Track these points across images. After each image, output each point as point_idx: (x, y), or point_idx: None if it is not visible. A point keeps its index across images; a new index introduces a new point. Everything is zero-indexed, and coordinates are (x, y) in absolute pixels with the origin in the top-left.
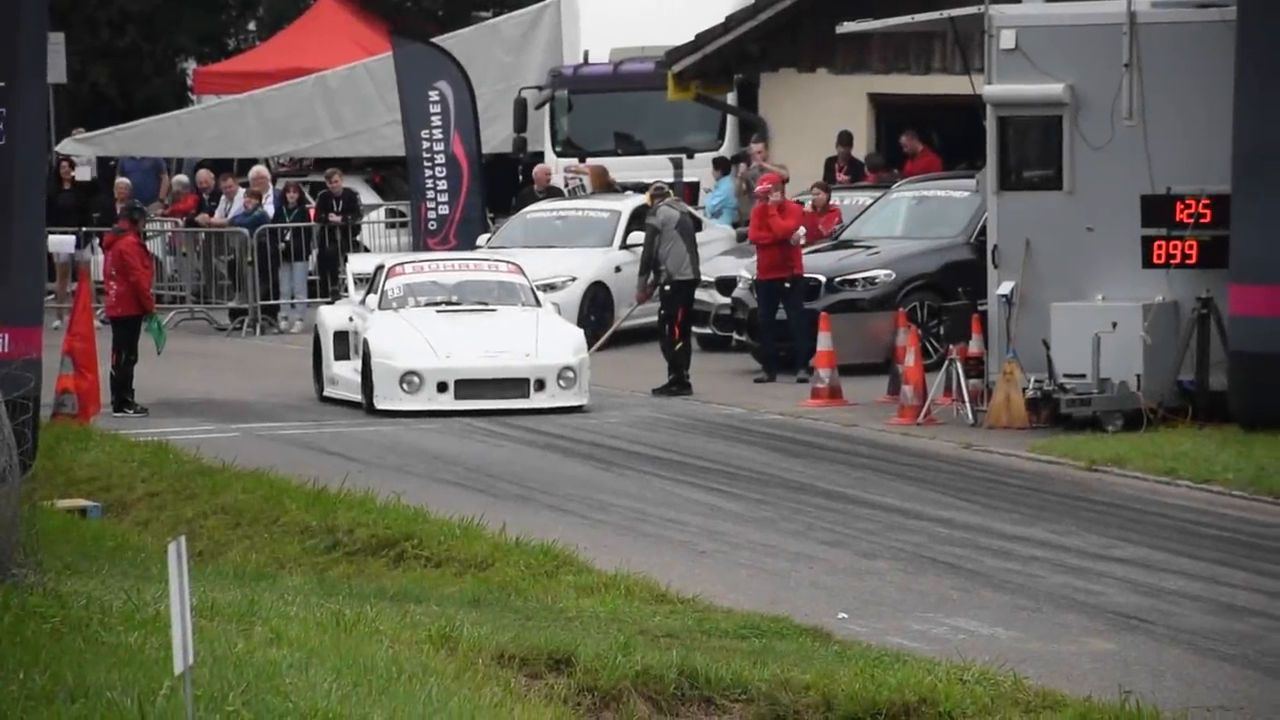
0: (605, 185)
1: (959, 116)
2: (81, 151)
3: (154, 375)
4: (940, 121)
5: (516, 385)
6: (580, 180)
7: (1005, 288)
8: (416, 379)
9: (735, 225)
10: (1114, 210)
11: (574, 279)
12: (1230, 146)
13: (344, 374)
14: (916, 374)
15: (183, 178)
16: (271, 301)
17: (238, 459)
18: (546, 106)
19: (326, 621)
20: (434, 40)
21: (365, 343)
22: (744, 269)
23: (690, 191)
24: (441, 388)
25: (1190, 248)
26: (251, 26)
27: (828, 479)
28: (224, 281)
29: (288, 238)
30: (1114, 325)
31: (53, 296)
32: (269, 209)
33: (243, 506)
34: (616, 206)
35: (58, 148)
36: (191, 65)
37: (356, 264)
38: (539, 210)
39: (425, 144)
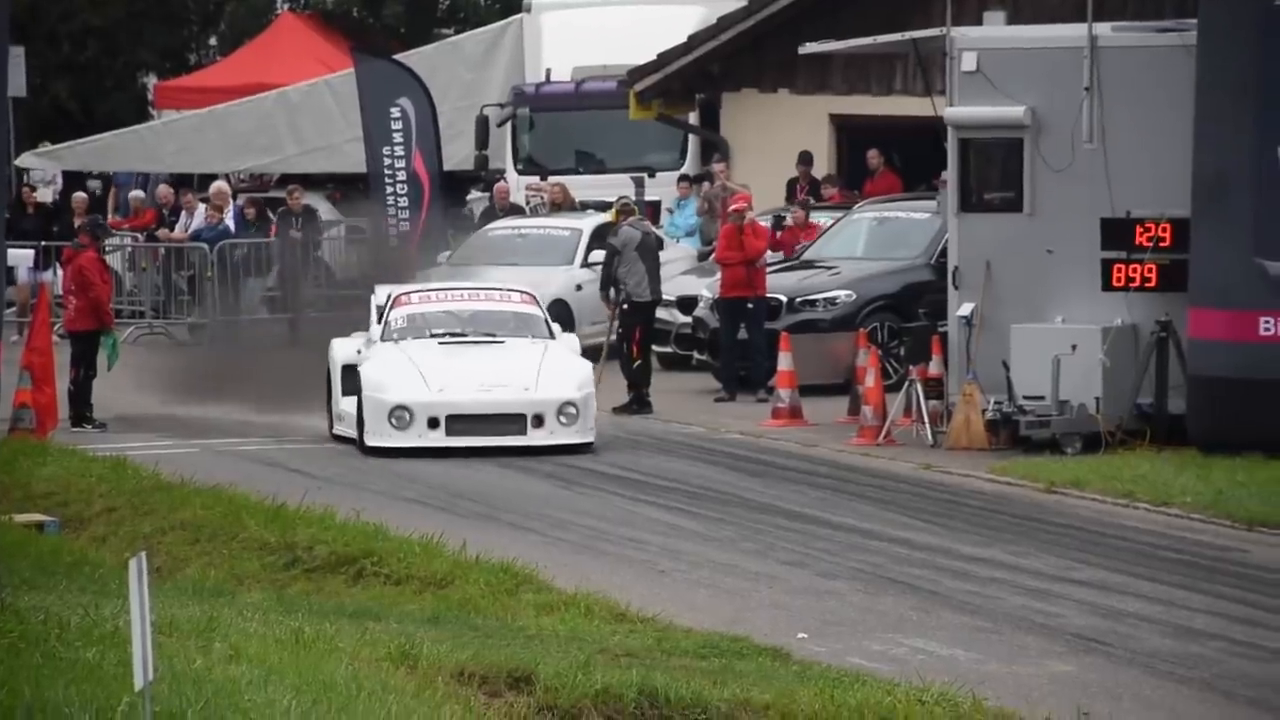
0: (566, 203)
1: (920, 138)
2: (42, 165)
3: (113, 390)
4: (901, 143)
5: (513, 421)
6: (541, 198)
7: (965, 309)
8: (406, 414)
9: (703, 245)
10: (1074, 233)
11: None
12: (1190, 170)
13: (349, 410)
14: (877, 395)
15: (140, 193)
16: (235, 317)
17: (196, 475)
18: (508, 124)
19: (286, 638)
20: (396, 57)
21: (359, 376)
22: (705, 288)
23: (652, 210)
24: (433, 423)
25: (1150, 271)
26: (213, 42)
27: (788, 499)
28: (184, 296)
29: (239, 253)
30: (1073, 348)
31: (12, 310)
32: (230, 224)
33: (201, 522)
34: (578, 224)
35: (17, 161)
36: (153, 80)
37: (381, 295)
38: (500, 227)
39: (387, 161)
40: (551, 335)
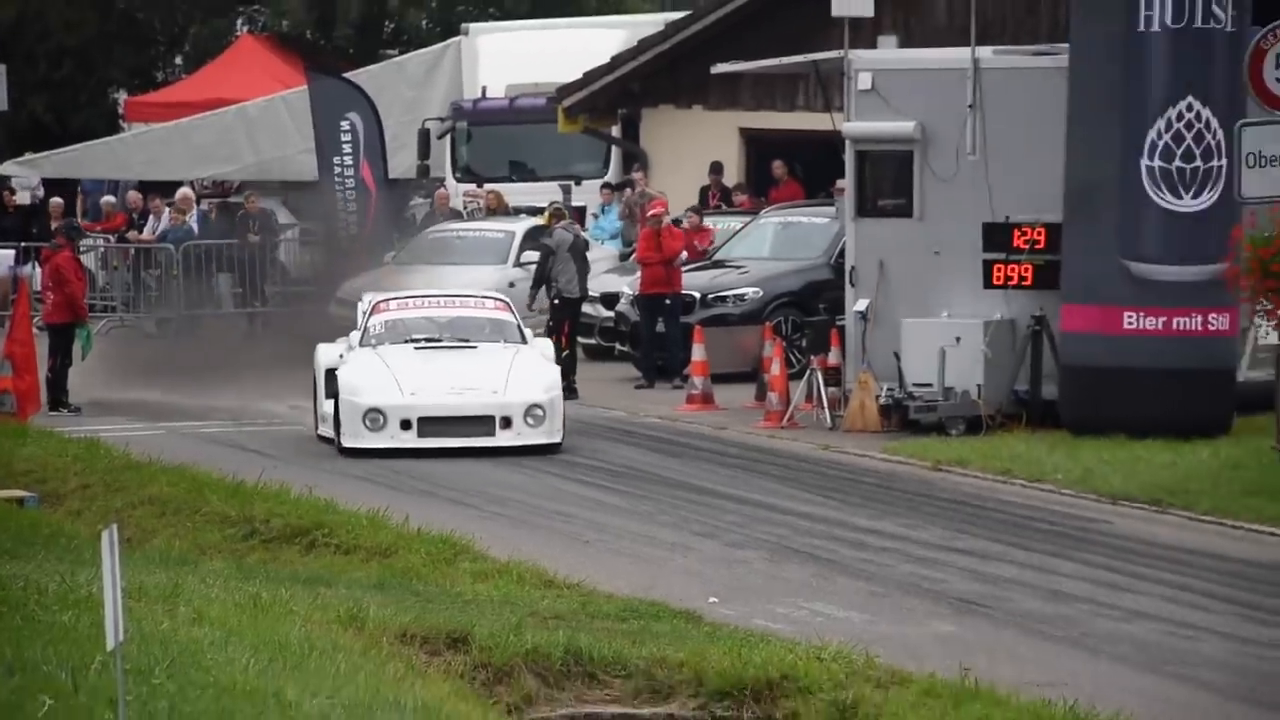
0: (501, 208)
1: (821, 150)
2: (22, 173)
3: (87, 378)
4: (804, 154)
5: (482, 423)
6: (478, 203)
7: (861, 305)
8: (380, 416)
9: (625, 246)
10: (958, 236)
11: None
12: (1062, 180)
13: (330, 412)
14: (781, 382)
15: (110, 198)
16: (199, 311)
17: (163, 454)
18: (448, 137)
19: (244, 603)
20: (346, 75)
21: (336, 379)
22: (626, 286)
23: (578, 215)
24: (405, 425)
25: (1026, 271)
26: (178, 61)
27: (700, 476)
28: (151, 293)
29: (201, 252)
30: (957, 340)
31: None
32: (194, 226)
33: (167, 498)
34: (511, 228)
35: None
36: (123, 95)
37: (366, 303)
38: (441, 230)
39: (337, 170)
40: (524, 340)
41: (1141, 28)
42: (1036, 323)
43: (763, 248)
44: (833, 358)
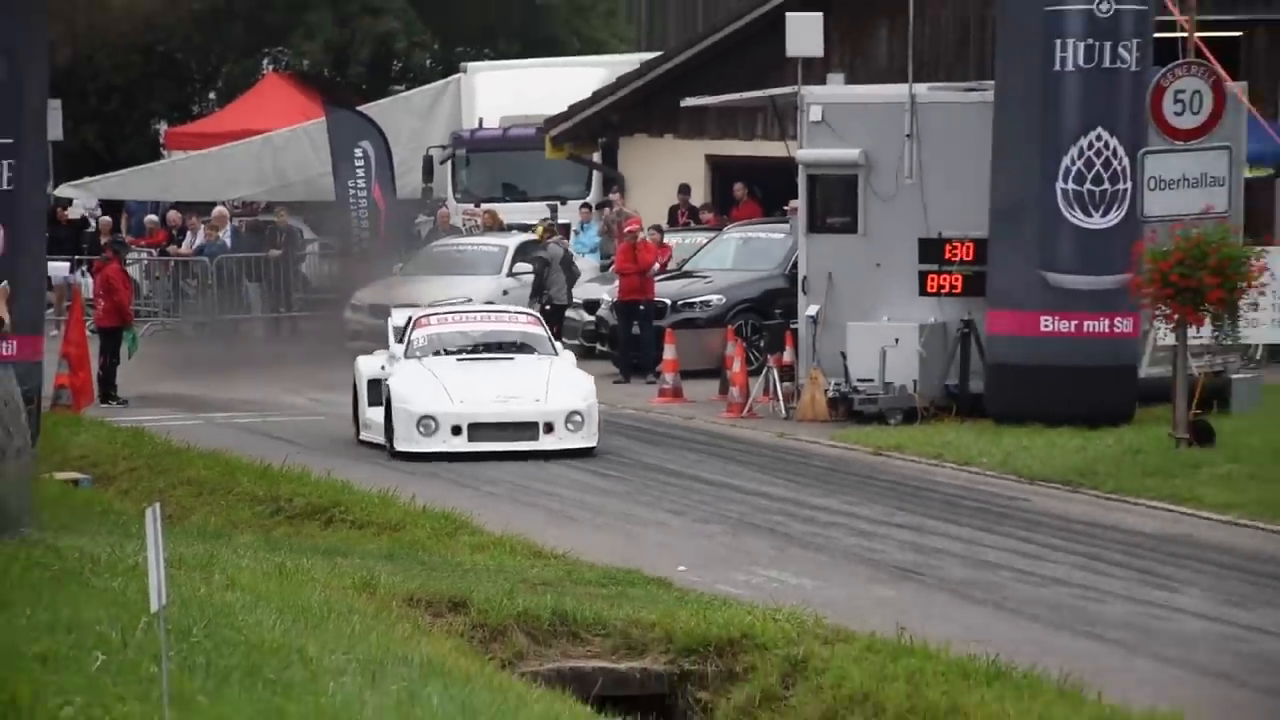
0: (495, 225)
1: (777, 174)
2: (75, 195)
3: (133, 374)
4: (762, 177)
5: (527, 428)
6: (475, 221)
7: (812, 310)
8: (432, 422)
9: (603, 259)
10: (897, 250)
11: (469, 299)
12: (988, 200)
13: (375, 419)
14: (741, 378)
15: (153, 217)
16: (231, 316)
17: (199, 441)
18: (449, 162)
19: (271, 571)
20: (359, 108)
21: (387, 388)
22: (606, 293)
23: (563, 231)
24: (456, 430)
25: (956, 280)
26: (212, 96)
27: (672, 461)
28: (189, 300)
29: (233, 264)
30: (896, 341)
31: (51, 310)
32: (227, 241)
33: (203, 479)
34: (504, 242)
35: (55, 191)
36: (164, 127)
37: (398, 317)
38: (443, 244)
39: (352, 191)
40: (555, 351)
41: (1057, 68)
42: (965, 326)
43: (726, 260)
44: (787, 356)
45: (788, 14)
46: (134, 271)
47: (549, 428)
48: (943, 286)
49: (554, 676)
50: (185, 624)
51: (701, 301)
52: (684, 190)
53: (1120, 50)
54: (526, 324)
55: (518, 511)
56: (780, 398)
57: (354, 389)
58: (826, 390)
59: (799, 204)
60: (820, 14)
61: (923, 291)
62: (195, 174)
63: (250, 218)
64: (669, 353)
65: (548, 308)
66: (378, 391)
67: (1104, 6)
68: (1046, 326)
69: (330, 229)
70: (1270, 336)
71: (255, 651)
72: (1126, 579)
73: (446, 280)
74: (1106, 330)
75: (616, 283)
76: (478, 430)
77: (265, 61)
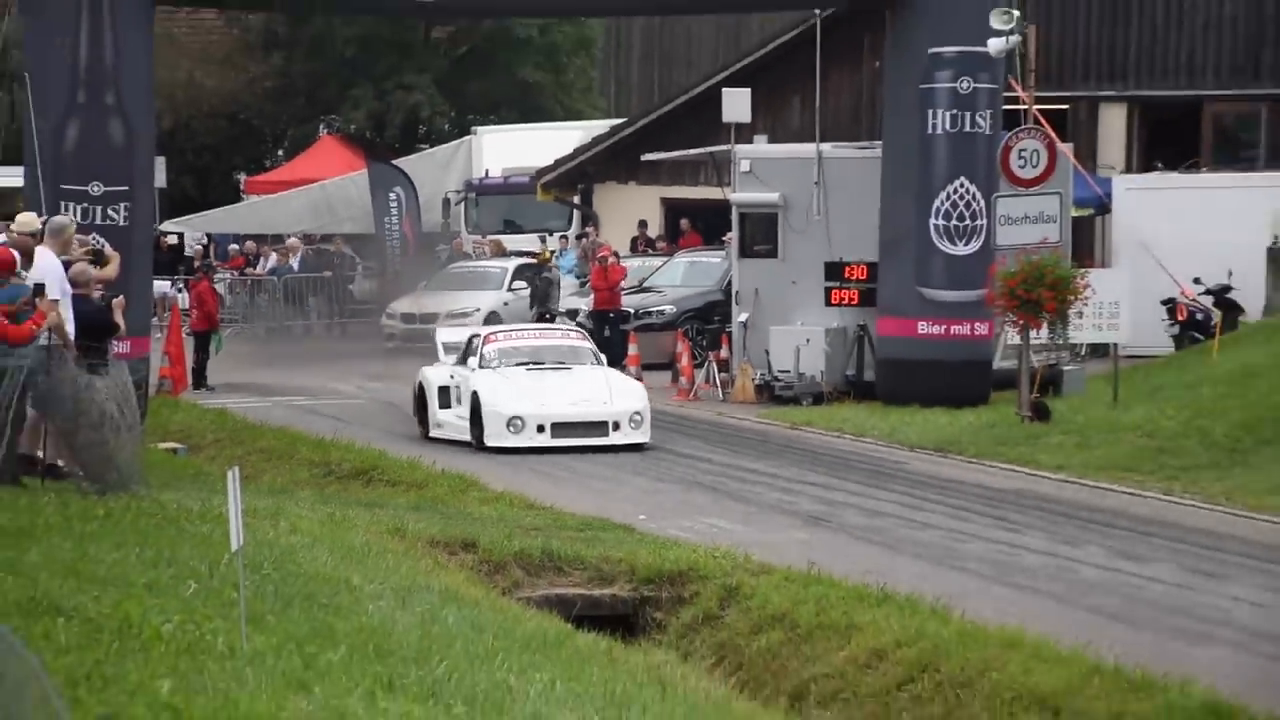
0: (500, 252)
1: (716, 212)
2: (177, 229)
3: (219, 368)
4: (704, 215)
5: (599, 427)
6: (484, 249)
7: (743, 317)
8: (520, 422)
9: (579, 278)
10: (808, 271)
11: (478, 308)
12: (878, 233)
13: (448, 419)
14: (688, 370)
15: (235, 246)
16: (294, 322)
17: (269, 419)
18: (463, 203)
19: (324, 519)
20: (393, 162)
21: (475, 394)
22: (583, 304)
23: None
24: (540, 429)
25: (854, 295)
26: (280, 153)
27: None
28: (262, 310)
29: (298, 283)
30: (808, 341)
31: (155, 318)
32: (294, 265)
33: (272, 448)
34: (505, 265)
35: (160, 226)
36: (243, 176)
37: (444, 335)
38: (457, 267)
39: (387, 226)
40: (599, 361)
41: (930, 131)
42: (860, 330)
43: (676, 278)
44: (724, 353)
45: (723, 89)
46: (220, 288)
47: (616, 425)
48: (843, 299)
49: (543, 601)
50: (258, 560)
51: (657, 310)
52: (642, 225)
53: (977, 118)
54: (576, 339)
55: (515, 474)
56: (718, 385)
57: (418, 394)
58: (754, 379)
59: (732, 235)
60: (748, 89)
61: (828, 303)
62: (267, 213)
63: (313, 246)
64: (632, 350)
65: (548, 316)
66: (446, 397)
67: (964, 85)
68: (923, 330)
69: (371, 255)
70: (1091, 337)
71: (312, 581)
72: (984, 524)
73: (460, 294)
74: (968, 333)
75: (591, 296)
76: (558, 428)
77: (321, 126)
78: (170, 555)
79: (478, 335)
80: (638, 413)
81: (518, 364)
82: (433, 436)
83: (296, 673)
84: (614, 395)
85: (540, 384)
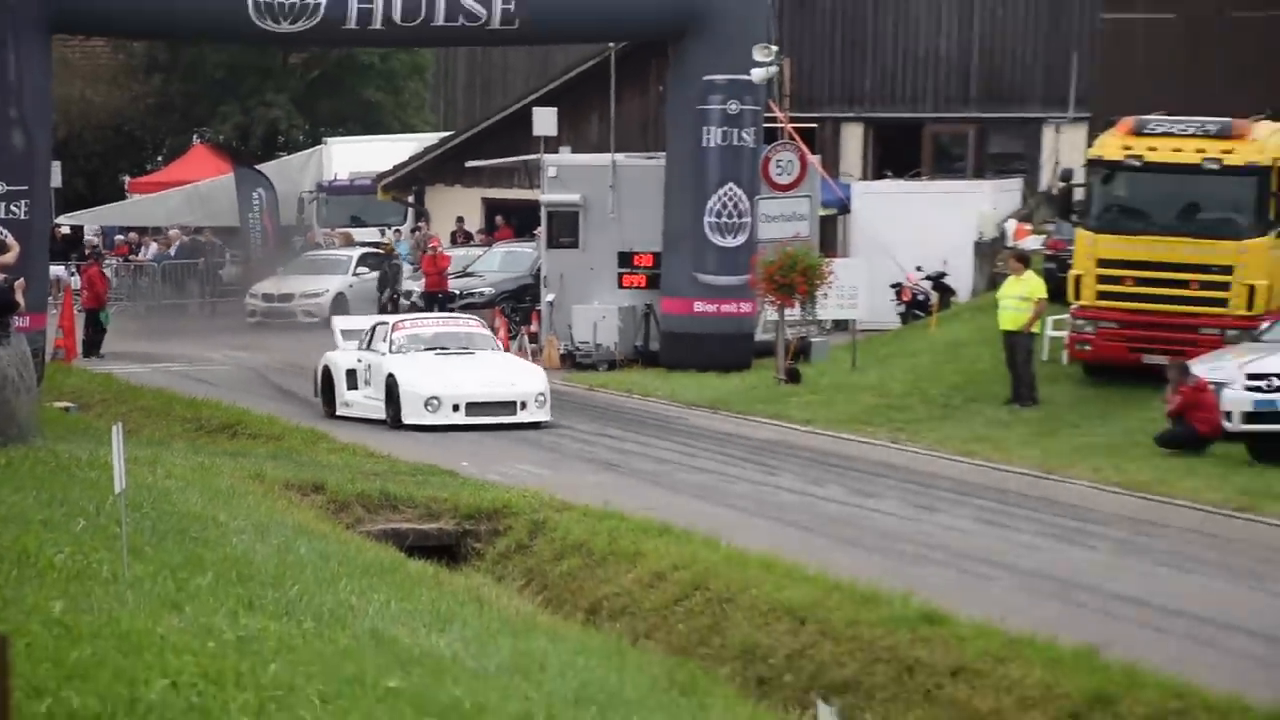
0: (349, 243)
1: (528, 211)
2: (71, 222)
3: (106, 339)
4: (518, 213)
5: (508, 406)
6: (334, 240)
7: (550, 297)
8: (437, 401)
9: (412, 265)
10: (605, 260)
11: (327, 290)
12: (662, 228)
13: (357, 399)
14: (505, 341)
15: (120, 236)
16: (170, 302)
17: (149, 383)
18: (315, 202)
19: (196, 466)
20: (256, 167)
21: (391, 376)
22: (416, 286)
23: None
24: (455, 408)
25: (642, 279)
26: (159, 158)
27: None
28: (143, 291)
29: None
30: (604, 317)
31: (51, 298)
32: (172, 253)
33: (151, 407)
34: (350, 253)
35: (56, 220)
36: (127, 178)
37: (342, 323)
38: (310, 255)
39: (250, 221)
40: (496, 347)
41: (704, 144)
42: (647, 308)
43: (494, 265)
44: (534, 327)
45: (534, 108)
46: (108, 272)
47: (523, 405)
48: (633, 283)
49: (380, 534)
50: (138, 501)
51: (479, 292)
52: (459, 221)
53: (743, 134)
54: (476, 327)
55: (356, 429)
56: (529, 353)
57: (321, 376)
58: (559, 349)
59: (541, 230)
60: (555, 108)
61: (620, 286)
62: (148, 209)
63: (187, 237)
64: None
65: (395, 297)
66: (353, 379)
67: (733, 107)
68: (698, 308)
69: (236, 245)
70: (835, 314)
71: (184, 519)
72: (747, 469)
73: (312, 278)
74: (735, 311)
75: (423, 280)
76: (472, 408)
77: (194, 136)
78: (63, 497)
79: (383, 323)
80: (541, 393)
81: (425, 349)
82: (340, 415)
83: (170, 595)
84: (518, 378)
85: (450, 367)
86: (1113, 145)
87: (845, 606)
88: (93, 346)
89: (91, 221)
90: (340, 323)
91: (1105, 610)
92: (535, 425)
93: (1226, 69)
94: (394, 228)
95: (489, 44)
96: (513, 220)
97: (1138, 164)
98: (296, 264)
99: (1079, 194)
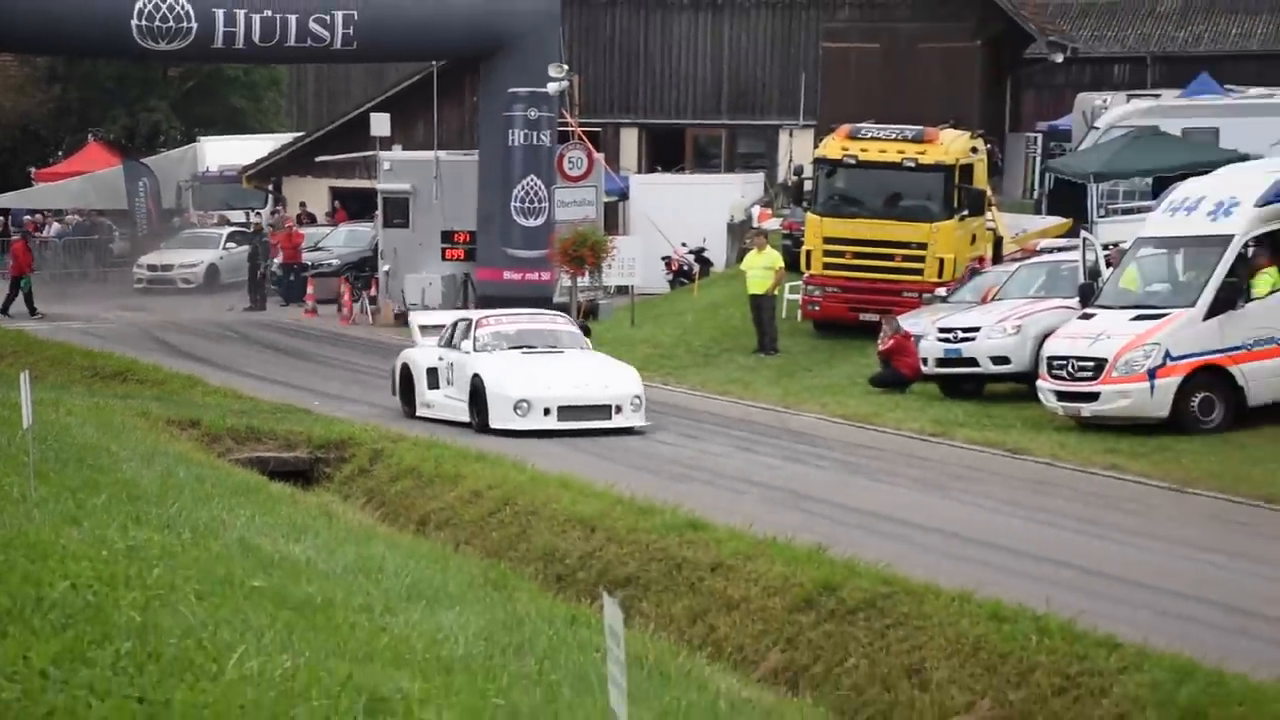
0: (221, 223)
1: (368, 197)
2: None
3: (19, 302)
4: (358, 199)
5: (602, 410)
6: (209, 220)
7: (386, 268)
8: (526, 404)
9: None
10: (431, 237)
11: (201, 261)
12: (476, 211)
13: (438, 399)
14: (349, 303)
15: (29, 216)
16: (71, 270)
17: (53, 337)
18: (191, 189)
19: (91, 406)
20: (143, 160)
21: (476, 376)
22: (275, 260)
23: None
24: (546, 412)
25: (460, 253)
26: (60, 152)
27: (308, 349)
28: (49, 261)
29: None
30: (430, 283)
31: None
32: (71, 231)
33: (55, 357)
34: (220, 231)
35: None
36: (33, 169)
37: (420, 319)
38: (188, 232)
39: (138, 203)
40: (587, 345)
41: (510, 144)
42: (465, 276)
43: (340, 241)
44: (373, 292)
45: (371, 113)
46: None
47: (618, 409)
48: (454, 256)
49: (247, 461)
50: (43, 434)
51: (327, 263)
52: (302, 205)
53: (541, 136)
54: (564, 324)
55: (230, 376)
56: (369, 314)
57: (400, 375)
58: (393, 309)
59: (378, 213)
60: (388, 114)
61: (444, 258)
62: (51, 195)
63: (84, 218)
64: (310, 290)
65: (265, 269)
66: (435, 378)
67: (532, 114)
68: (507, 276)
69: (125, 225)
70: (617, 281)
71: (82, 449)
72: (673, 430)
73: (189, 251)
74: (537, 278)
75: (280, 254)
76: (564, 411)
77: (89, 134)
78: None
79: (465, 319)
80: (637, 396)
81: (511, 347)
82: (420, 415)
83: (71, 512)
84: (612, 380)
85: (540, 367)
86: (834, 147)
87: (627, 517)
88: (26, 305)
89: (5, 203)
90: (418, 318)
91: (832, 517)
92: (629, 431)
93: (918, 88)
94: (256, 210)
95: (333, 61)
96: (350, 205)
97: (853, 162)
98: (175, 240)
99: (808, 185)
